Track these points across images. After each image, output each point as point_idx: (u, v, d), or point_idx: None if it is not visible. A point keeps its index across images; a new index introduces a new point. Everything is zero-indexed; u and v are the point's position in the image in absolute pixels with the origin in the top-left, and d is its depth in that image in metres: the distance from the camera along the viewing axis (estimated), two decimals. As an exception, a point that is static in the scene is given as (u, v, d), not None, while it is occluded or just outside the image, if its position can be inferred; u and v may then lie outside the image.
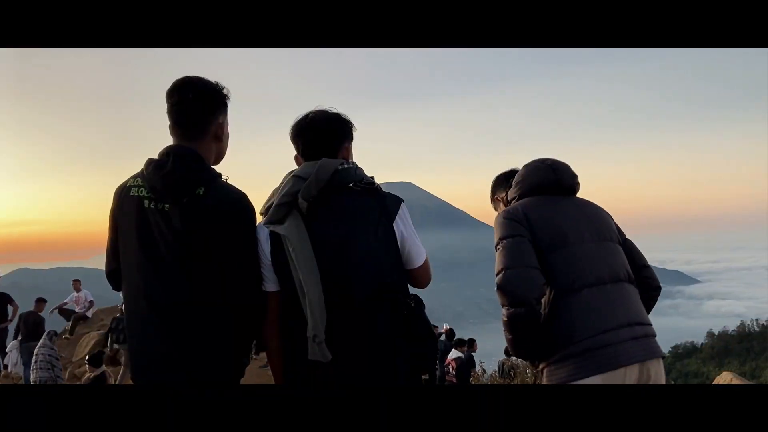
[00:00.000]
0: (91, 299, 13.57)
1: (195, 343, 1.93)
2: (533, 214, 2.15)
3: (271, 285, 1.95)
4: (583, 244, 2.14)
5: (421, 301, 1.95)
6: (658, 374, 2.04)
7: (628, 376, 1.95)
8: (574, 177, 2.33)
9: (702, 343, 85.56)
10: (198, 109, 1.99)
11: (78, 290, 13.33)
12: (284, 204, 1.87)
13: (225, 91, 2.06)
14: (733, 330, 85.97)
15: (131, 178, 2.04)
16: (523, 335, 2.05)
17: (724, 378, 3.62)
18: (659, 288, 2.32)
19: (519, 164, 2.45)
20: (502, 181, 2.61)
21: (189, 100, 1.98)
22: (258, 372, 6.86)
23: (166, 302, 1.94)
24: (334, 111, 2.02)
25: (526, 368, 8.07)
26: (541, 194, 2.28)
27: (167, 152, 1.98)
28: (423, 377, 1.93)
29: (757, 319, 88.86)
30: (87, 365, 7.74)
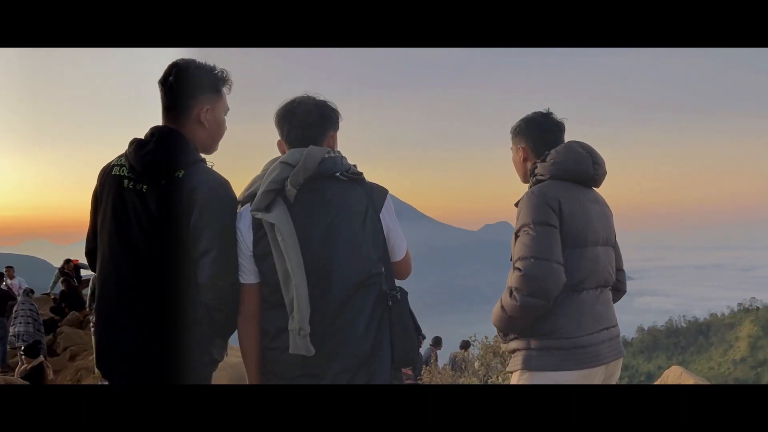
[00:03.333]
0: (26, 287, 12.96)
1: (164, 334, 1.85)
2: (566, 206, 2.13)
3: (249, 277, 1.88)
4: (596, 247, 2.22)
5: (406, 293, 1.94)
6: (617, 371, 2.29)
7: (598, 374, 2.15)
8: (606, 173, 2.33)
9: (632, 338, 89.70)
10: (177, 91, 1.92)
11: (11, 278, 12.68)
12: (272, 191, 1.81)
13: (220, 75, 1.99)
14: (661, 325, 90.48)
15: (116, 157, 1.97)
16: (524, 320, 2.12)
17: (674, 372, 3.75)
18: (624, 292, 2.49)
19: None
20: (534, 130, 2.36)
21: (169, 82, 1.92)
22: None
23: (137, 288, 1.86)
24: (321, 98, 1.96)
25: (475, 361, 8.19)
26: (573, 181, 2.24)
27: (152, 132, 1.92)
28: (406, 370, 1.92)
29: (684, 316, 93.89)
30: (23, 356, 7.38)
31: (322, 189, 1.84)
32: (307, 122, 1.91)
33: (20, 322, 8.50)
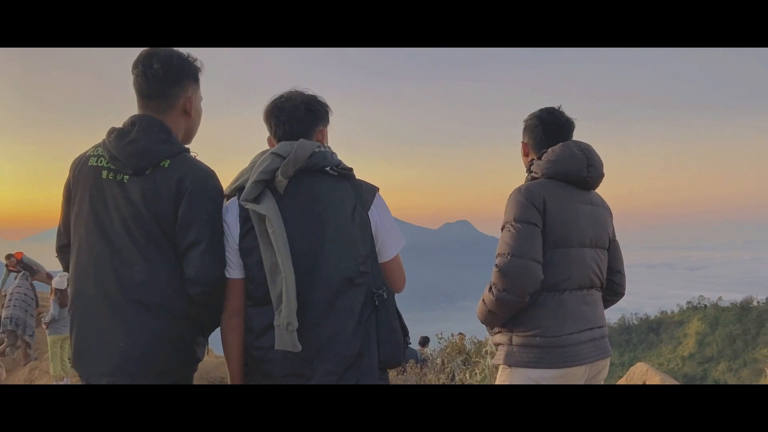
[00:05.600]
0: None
1: (145, 332, 1.79)
2: (552, 206, 2.14)
3: (235, 271, 1.84)
4: (582, 248, 2.22)
5: (393, 292, 1.92)
6: (602, 370, 2.29)
7: (579, 373, 2.16)
8: (603, 175, 2.32)
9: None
10: (163, 80, 1.86)
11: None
12: (261, 182, 1.77)
13: (197, 64, 1.94)
14: (614, 323, 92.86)
15: (92, 147, 1.89)
16: (501, 315, 2.16)
17: (640, 369, 3.84)
18: (622, 295, 2.50)
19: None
20: (536, 126, 2.36)
21: (153, 71, 1.84)
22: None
23: (117, 283, 1.79)
24: (310, 92, 1.93)
25: (437, 357, 8.28)
26: (566, 181, 2.24)
27: (132, 121, 1.85)
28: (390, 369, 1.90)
29: (636, 313, 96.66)
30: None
31: (310, 183, 1.81)
32: (294, 118, 1.88)
33: (14, 305, 8.46)
